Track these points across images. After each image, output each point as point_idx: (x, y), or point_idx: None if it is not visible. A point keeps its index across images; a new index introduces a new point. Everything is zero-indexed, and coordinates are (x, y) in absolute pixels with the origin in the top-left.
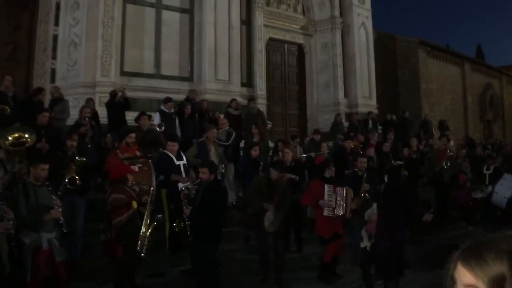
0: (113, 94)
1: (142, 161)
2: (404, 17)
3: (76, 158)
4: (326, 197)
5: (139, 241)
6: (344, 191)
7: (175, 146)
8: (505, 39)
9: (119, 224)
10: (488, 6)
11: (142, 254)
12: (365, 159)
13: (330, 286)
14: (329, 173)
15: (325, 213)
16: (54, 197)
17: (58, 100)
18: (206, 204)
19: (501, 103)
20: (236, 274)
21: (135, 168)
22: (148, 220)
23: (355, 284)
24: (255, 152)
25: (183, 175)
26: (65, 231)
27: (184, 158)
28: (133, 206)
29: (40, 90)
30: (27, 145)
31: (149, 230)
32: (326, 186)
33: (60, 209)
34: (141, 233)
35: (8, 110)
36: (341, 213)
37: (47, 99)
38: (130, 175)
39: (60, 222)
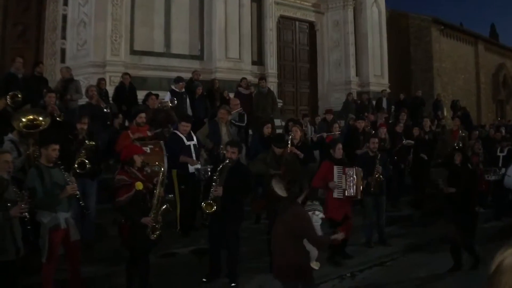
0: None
1: (153, 142)
2: None
3: (86, 141)
4: (335, 179)
5: (148, 224)
6: (354, 171)
7: (188, 126)
8: None
9: (118, 205)
10: None
11: (154, 237)
12: (377, 140)
13: (340, 267)
14: (338, 153)
15: (335, 194)
16: (67, 174)
17: (70, 81)
18: (233, 184)
19: None
20: (246, 254)
21: (147, 149)
22: (158, 203)
23: (365, 266)
24: (267, 129)
25: (194, 156)
26: (82, 204)
27: (195, 138)
28: (138, 187)
29: (38, 63)
30: (41, 128)
31: (159, 213)
32: (335, 167)
33: (75, 185)
34: (150, 216)
35: (20, 96)
36: (352, 193)
37: (54, 80)
38: (139, 156)
39: (77, 196)
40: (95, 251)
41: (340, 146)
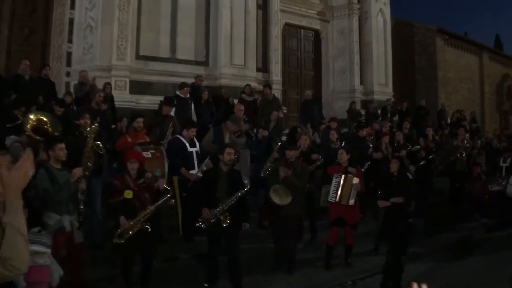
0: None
1: (154, 147)
2: (422, 4)
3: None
4: (332, 183)
5: (123, 226)
6: (341, 178)
7: (194, 132)
8: None
9: (108, 205)
10: None
11: (116, 240)
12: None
13: (340, 274)
14: (339, 158)
15: (329, 198)
16: (81, 180)
17: (86, 84)
18: (234, 189)
19: None
20: (248, 261)
21: (148, 154)
22: (145, 217)
23: (368, 273)
24: (262, 133)
25: (195, 162)
26: (81, 207)
27: (198, 145)
28: (126, 195)
29: (45, 65)
30: (49, 135)
31: (138, 225)
32: (334, 174)
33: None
34: (130, 221)
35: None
36: (334, 200)
37: (59, 83)
38: (135, 163)
39: (81, 198)
40: (100, 253)
41: (339, 151)
